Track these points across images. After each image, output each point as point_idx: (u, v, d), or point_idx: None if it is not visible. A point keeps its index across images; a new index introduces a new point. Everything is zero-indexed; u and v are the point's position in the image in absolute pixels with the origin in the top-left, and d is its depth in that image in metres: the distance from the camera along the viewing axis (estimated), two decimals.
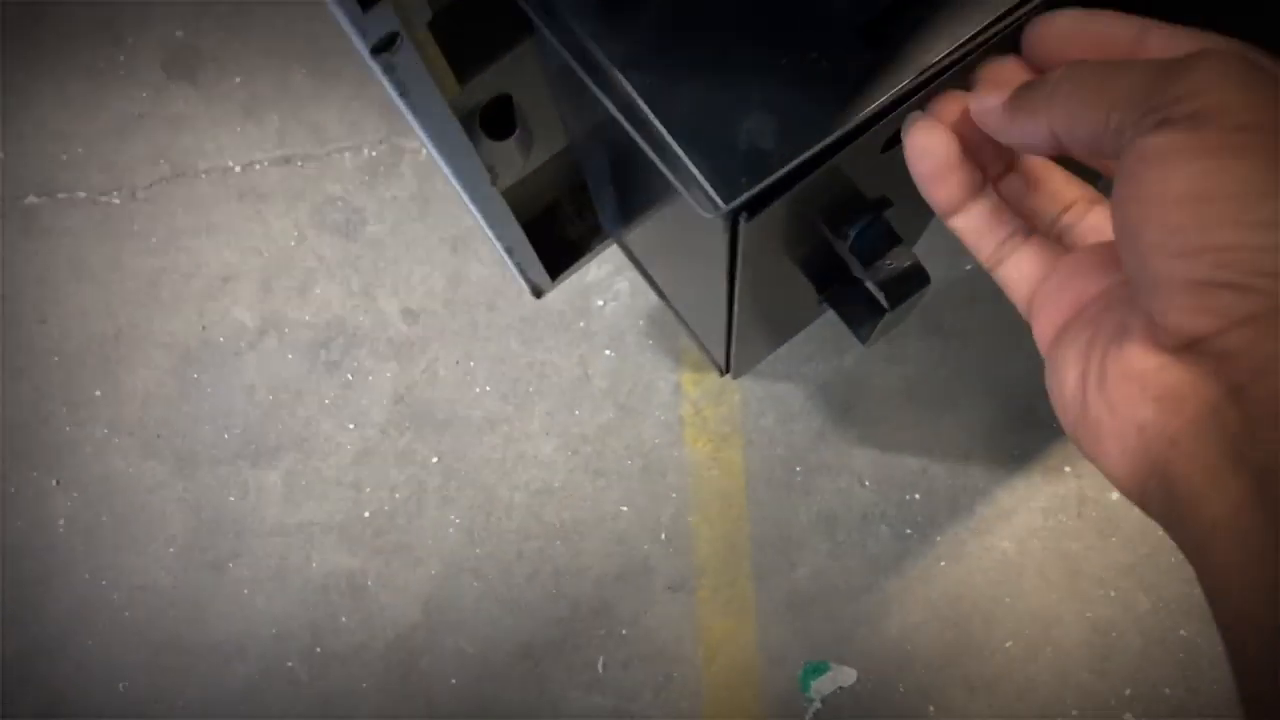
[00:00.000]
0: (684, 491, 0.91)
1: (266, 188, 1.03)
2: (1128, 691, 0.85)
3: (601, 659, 0.88)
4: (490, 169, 0.53)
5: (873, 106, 0.36)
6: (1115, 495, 0.87)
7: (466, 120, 0.50)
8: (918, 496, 0.89)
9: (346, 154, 1.02)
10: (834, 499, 0.89)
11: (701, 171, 0.36)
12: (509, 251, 0.65)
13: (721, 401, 0.93)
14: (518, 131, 0.53)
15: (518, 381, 0.95)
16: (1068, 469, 0.89)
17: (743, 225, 0.39)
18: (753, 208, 0.38)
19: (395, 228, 1.01)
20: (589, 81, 0.40)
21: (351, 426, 0.96)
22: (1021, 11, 0.36)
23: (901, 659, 0.87)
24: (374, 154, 1.02)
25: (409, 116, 0.41)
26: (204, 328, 1.00)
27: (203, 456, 0.97)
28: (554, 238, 0.69)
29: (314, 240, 1.01)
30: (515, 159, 0.55)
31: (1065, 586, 0.87)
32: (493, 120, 0.52)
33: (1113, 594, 0.86)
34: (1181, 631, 0.85)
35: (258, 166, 1.03)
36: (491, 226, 0.59)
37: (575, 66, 0.40)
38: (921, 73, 0.36)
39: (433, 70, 0.42)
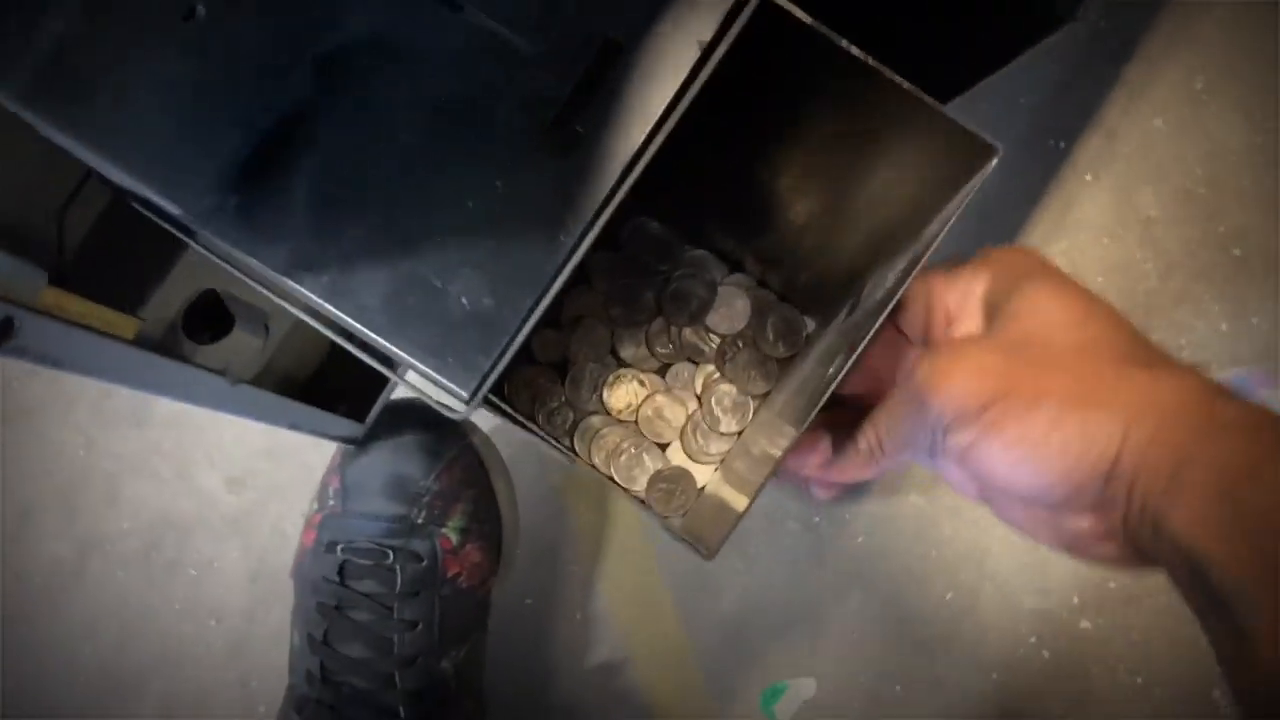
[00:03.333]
0: (584, 560, 0.85)
1: (33, 402, 0.92)
2: (1075, 599, 0.83)
3: None
4: (221, 370, 0.45)
5: (587, 217, 0.30)
6: None
7: (166, 339, 0.42)
8: None
9: None
10: None
11: (432, 367, 0.29)
12: (294, 428, 0.57)
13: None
14: (237, 321, 0.45)
15: None
16: None
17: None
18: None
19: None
20: (267, 293, 0.33)
21: (214, 623, 0.87)
22: (701, 75, 0.31)
23: (851, 649, 0.83)
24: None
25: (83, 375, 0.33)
26: (18, 575, 0.89)
27: (64, 713, 0.86)
28: (348, 379, 0.61)
29: (104, 441, 0.91)
30: (249, 344, 0.47)
31: (983, 519, 0.84)
32: (203, 319, 0.45)
33: None
34: None
35: (15, 384, 0.92)
36: (256, 419, 0.52)
37: (244, 279, 0.33)
38: (628, 162, 0.30)
39: (90, 321, 0.34)
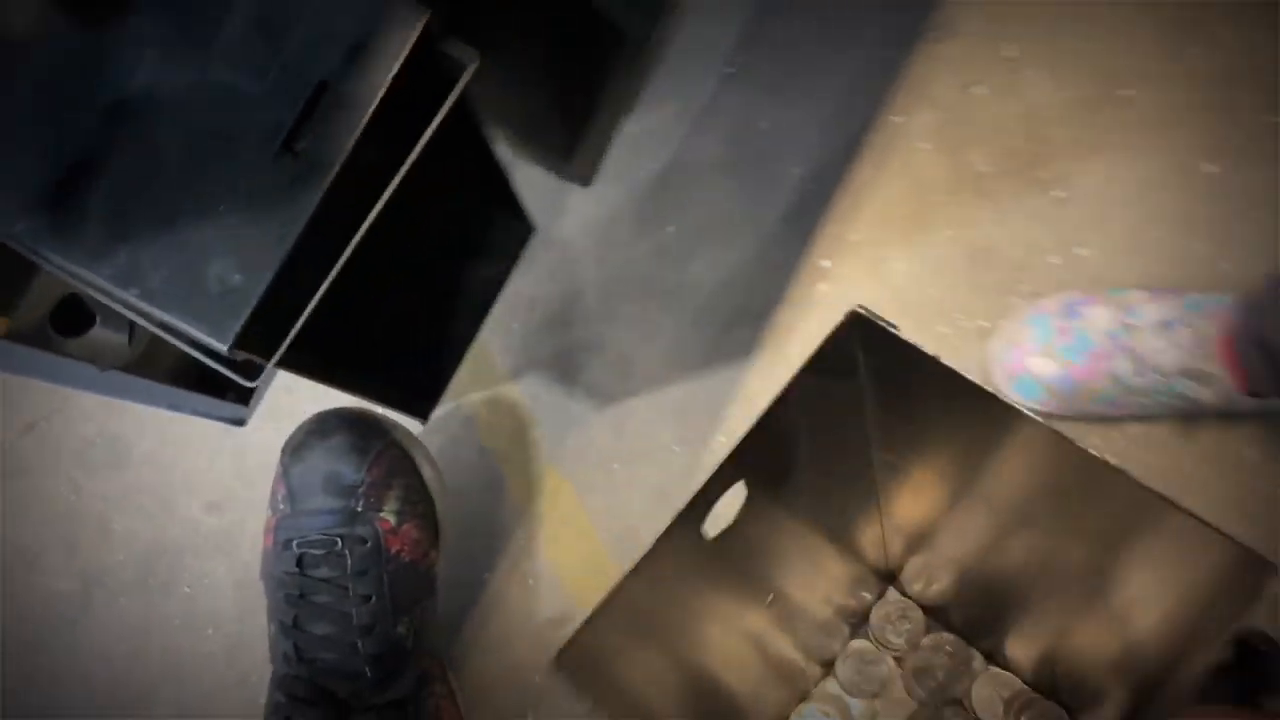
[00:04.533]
0: (528, 531, 0.96)
1: (25, 461, 1.03)
2: None
3: None
4: (90, 359, 0.56)
5: (307, 211, 0.42)
6: None
7: (38, 334, 0.53)
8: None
9: (83, 395, 1.03)
10: (655, 471, 0.95)
11: (199, 330, 0.41)
12: (174, 408, 0.67)
13: (509, 416, 0.98)
14: (98, 318, 0.56)
15: None
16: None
17: None
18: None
19: (162, 436, 1.02)
20: (73, 276, 0.44)
21: (211, 631, 0.98)
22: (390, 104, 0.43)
23: None
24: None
25: None
26: (31, 611, 1.00)
27: None
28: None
29: (91, 485, 1.02)
30: (111, 338, 0.57)
31: None
32: (71, 317, 0.56)
33: None
34: None
35: (7, 446, 1.03)
36: (134, 400, 0.62)
37: (52, 269, 0.44)
38: (340, 164, 0.42)
39: None
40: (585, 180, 0.89)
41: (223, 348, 0.40)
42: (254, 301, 0.41)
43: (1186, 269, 0.88)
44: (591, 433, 0.97)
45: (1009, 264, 0.92)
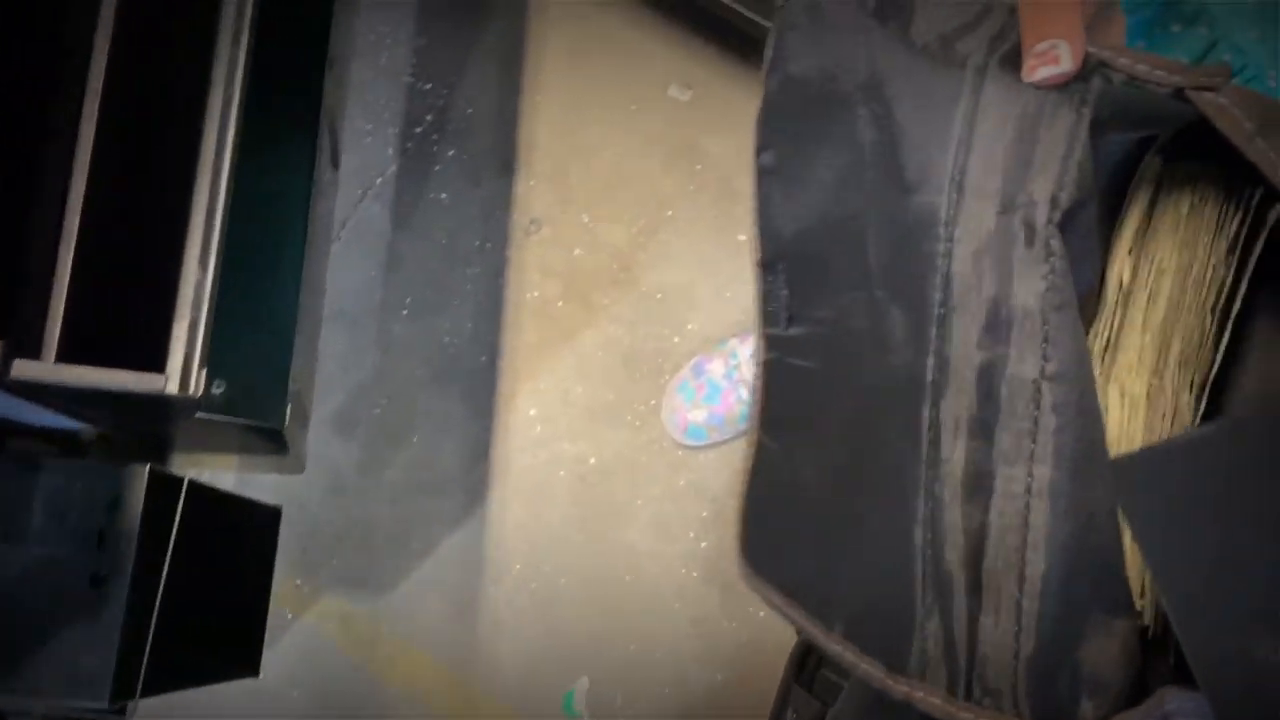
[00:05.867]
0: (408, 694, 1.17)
1: None
2: None
3: None
4: None
5: (120, 618, 0.67)
6: None
7: None
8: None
9: None
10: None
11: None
12: None
13: (340, 620, 1.19)
14: None
15: None
16: None
17: None
18: None
19: None
20: None
21: None
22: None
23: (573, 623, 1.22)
24: None
25: None
26: None
27: None
28: None
29: None
30: None
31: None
32: None
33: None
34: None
35: None
36: None
37: None
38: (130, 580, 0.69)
39: None
40: (300, 467, 1.08)
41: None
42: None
43: (753, 312, 1.27)
44: (411, 600, 1.20)
45: (649, 355, 1.28)
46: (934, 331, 0.37)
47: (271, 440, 0.81)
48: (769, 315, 0.45)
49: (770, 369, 0.45)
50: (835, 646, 0.38)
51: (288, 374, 0.77)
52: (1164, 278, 0.40)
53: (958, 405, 0.36)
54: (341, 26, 1.06)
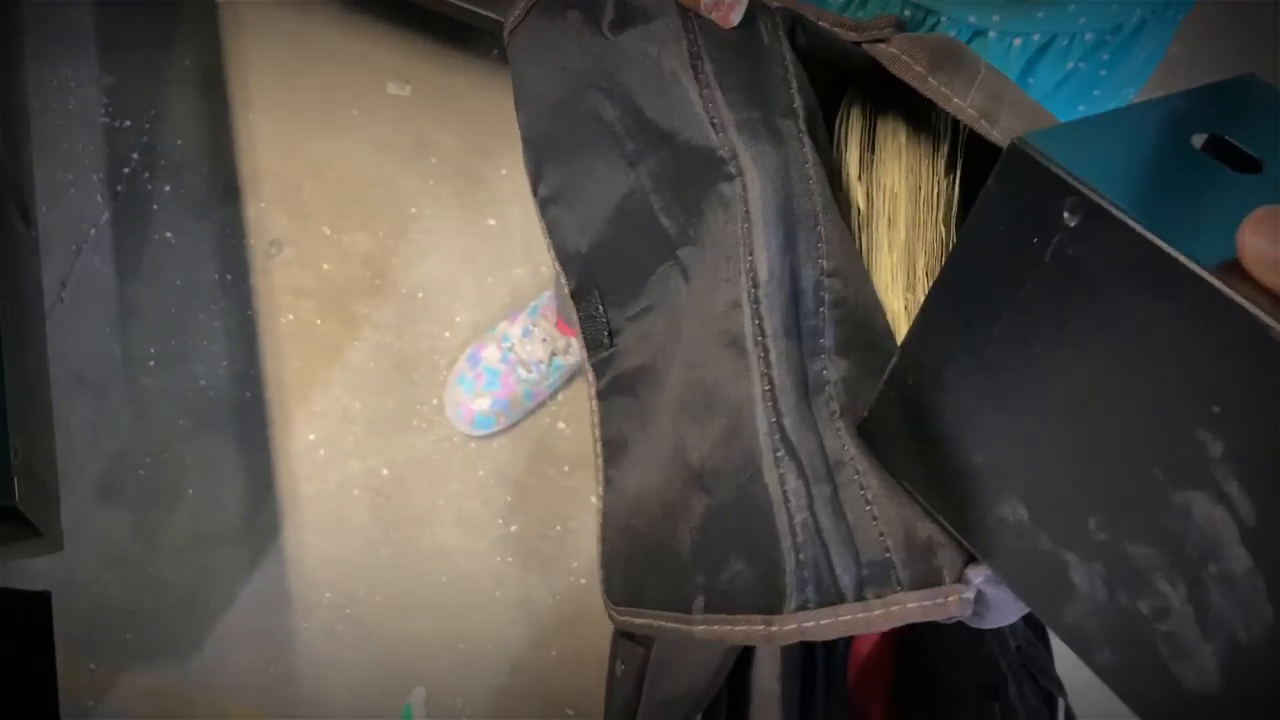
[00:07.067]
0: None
1: None
2: None
3: None
4: None
5: None
6: None
7: None
8: None
9: None
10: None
11: None
12: None
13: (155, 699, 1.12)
14: None
15: None
16: None
17: None
18: None
19: None
20: None
21: None
22: None
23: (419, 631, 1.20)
24: None
25: None
26: None
27: None
28: None
29: None
30: None
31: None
32: None
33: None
34: None
35: None
36: None
37: None
38: None
39: None
40: (58, 545, 0.99)
41: None
42: None
43: (518, 291, 1.27)
44: (219, 658, 1.14)
45: (422, 355, 1.26)
46: (741, 252, 0.38)
47: (9, 521, 0.75)
48: (592, 341, 0.46)
49: (603, 396, 0.46)
50: (702, 628, 0.38)
51: (5, 447, 0.71)
52: (898, 201, 0.43)
53: (772, 320, 0.38)
54: (8, 79, 0.98)
